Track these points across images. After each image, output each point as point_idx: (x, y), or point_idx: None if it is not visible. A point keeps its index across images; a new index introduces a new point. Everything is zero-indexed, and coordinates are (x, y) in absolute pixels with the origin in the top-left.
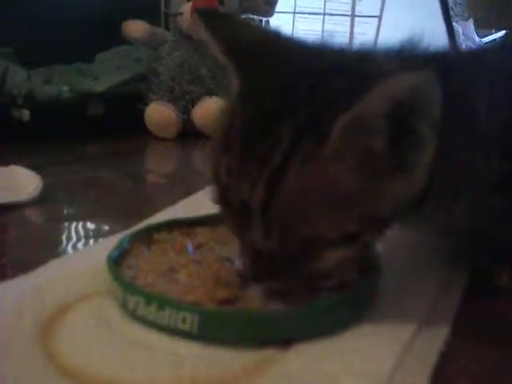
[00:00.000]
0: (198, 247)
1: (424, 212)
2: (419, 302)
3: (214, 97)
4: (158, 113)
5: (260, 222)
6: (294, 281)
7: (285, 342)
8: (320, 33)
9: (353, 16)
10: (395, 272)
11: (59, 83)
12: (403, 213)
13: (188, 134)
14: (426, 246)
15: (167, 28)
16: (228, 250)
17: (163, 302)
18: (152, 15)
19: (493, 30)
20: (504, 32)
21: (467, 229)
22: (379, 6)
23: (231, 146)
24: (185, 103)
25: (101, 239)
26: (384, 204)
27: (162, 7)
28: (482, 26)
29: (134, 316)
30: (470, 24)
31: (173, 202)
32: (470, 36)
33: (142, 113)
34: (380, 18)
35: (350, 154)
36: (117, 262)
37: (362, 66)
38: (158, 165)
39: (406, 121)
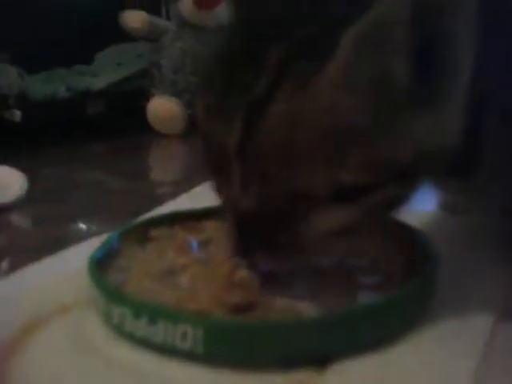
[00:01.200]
0: (204, 244)
1: (477, 180)
2: (487, 299)
3: None
4: (161, 107)
5: (237, 170)
6: (286, 255)
7: (320, 360)
8: None
9: None
10: (453, 264)
11: (56, 83)
12: (435, 169)
13: (194, 129)
14: (488, 230)
15: (168, 18)
16: None
17: (156, 314)
18: (152, 5)
19: None
20: None
21: None
22: None
23: (212, 81)
24: (189, 97)
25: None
26: (401, 148)
27: None
28: None
29: (121, 332)
30: None
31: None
32: None
33: (145, 110)
34: None
35: (361, 76)
36: (103, 264)
37: None
38: (162, 163)
39: (432, 36)
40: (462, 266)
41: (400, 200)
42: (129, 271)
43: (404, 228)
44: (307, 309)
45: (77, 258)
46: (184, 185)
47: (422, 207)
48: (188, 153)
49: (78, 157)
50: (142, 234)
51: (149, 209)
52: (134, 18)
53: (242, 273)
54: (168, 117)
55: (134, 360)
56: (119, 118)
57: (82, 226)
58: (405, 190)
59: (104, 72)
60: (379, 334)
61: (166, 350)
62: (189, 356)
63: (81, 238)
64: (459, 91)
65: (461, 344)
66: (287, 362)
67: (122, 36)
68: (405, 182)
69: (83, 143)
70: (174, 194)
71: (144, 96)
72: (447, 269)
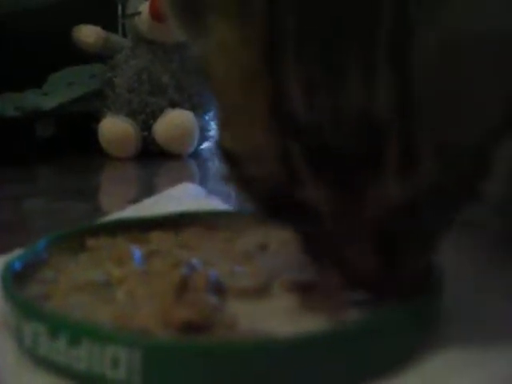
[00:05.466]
0: (149, 255)
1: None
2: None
3: (178, 109)
4: (113, 128)
5: (398, 141)
6: None
7: None
8: None
9: None
10: (458, 276)
11: (4, 102)
12: None
13: (150, 153)
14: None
15: (124, 35)
16: (194, 255)
17: (78, 332)
18: (108, 21)
19: None
20: None
21: None
22: None
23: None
24: (145, 117)
25: None
26: None
27: (119, 12)
28: None
29: (35, 357)
30: None
31: None
32: None
33: (97, 132)
34: None
35: None
36: (22, 275)
37: None
38: (113, 186)
39: None
40: (469, 278)
41: None
42: (54, 283)
43: None
44: (279, 329)
45: None
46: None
47: None
48: (142, 177)
49: (25, 178)
50: (76, 243)
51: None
52: (88, 33)
53: (195, 286)
54: (121, 138)
55: None
56: (70, 139)
57: None
58: None
59: (55, 91)
60: (370, 360)
61: (91, 381)
62: None
63: None
64: None
65: (479, 375)
66: None
67: (78, 58)
68: None
69: (31, 164)
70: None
71: (96, 117)
72: (452, 282)
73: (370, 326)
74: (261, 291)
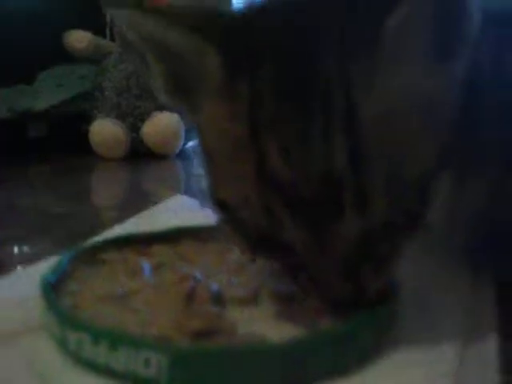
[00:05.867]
0: (157, 268)
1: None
2: (453, 322)
3: (165, 112)
4: (103, 130)
5: (353, 190)
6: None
7: None
8: None
9: None
10: (413, 284)
11: None
12: None
13: (139, 154)
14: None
15: (113, 39)
16: (195, 268)
17: (116, 339)
18: (97, 26)
19: None
20: None
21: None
22: None
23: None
24: (133, 120)
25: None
26: None
27: (108, 18)
28: None
29: (79, 359)
30: None
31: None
32: None
33: (87, 133)
34: None
35: None
36: (55, 288)
37: None
38: (105, 187)
39: None
40: (422, 286)
41: None
42: (79, 295)
43: None
44: (270, 333)
45: (23, 282)
46: (128, 209)
47: None
48: (131, 177)
49: (18, 179)
50: (92, 257)
51: (93, 233)
52: (78, 38)
53: (201, 297)
54: (111, 140)
55: None
56: (61, 140)
57: (26, 249)
58: None
59: (45, 93)
60: (330, 364)
61: (127, 379)
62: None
63: (26, 261)
64: None
65: (425, 371)
66: None
67: (66, 57)
68: None
69: (24, 165)
70: (117, 218)
71: (86, 118)
72: (408, 290)
73: (341, 332)
74: (253, 300)
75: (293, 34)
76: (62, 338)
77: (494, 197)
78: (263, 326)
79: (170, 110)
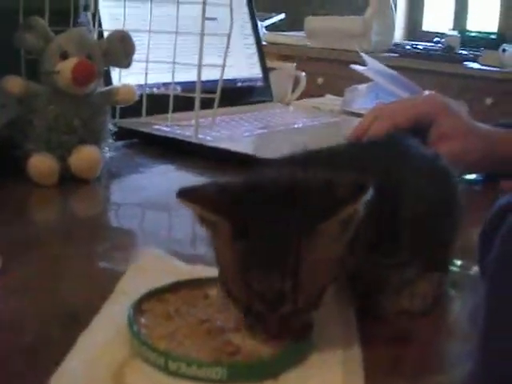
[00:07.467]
0: (176, 312)
1: None
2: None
3: (86, 145)
4: (41, 165)
5: (291, 295)
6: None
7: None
8: None
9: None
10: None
11: None
12: None
13: (66, 179)
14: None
15: (27, 76)
16: (199, 311)
17: (200, 363)
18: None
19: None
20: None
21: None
22: None
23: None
24: (61, 152)
25: None
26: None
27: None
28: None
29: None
30: None
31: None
32: None
33: (16, 160)
34: None
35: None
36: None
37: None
38: (38, 211)
39: None
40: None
41: None
42: (145, 336)
43: None
44: (264, 352)
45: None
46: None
47: None
48: (62, 199)
49: None
50: (138, 308)
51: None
52: (14, 83)
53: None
54: (47, 173)
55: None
56: None
57: None
58: None
59: None
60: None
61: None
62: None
63: None
64: None
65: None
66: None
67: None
68: None
69: None
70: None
71: (15, 147)
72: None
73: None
74: (239, 328)
75: None
76: (154, 362)
77: None
78: (255, 346)
79: (90, 143)
